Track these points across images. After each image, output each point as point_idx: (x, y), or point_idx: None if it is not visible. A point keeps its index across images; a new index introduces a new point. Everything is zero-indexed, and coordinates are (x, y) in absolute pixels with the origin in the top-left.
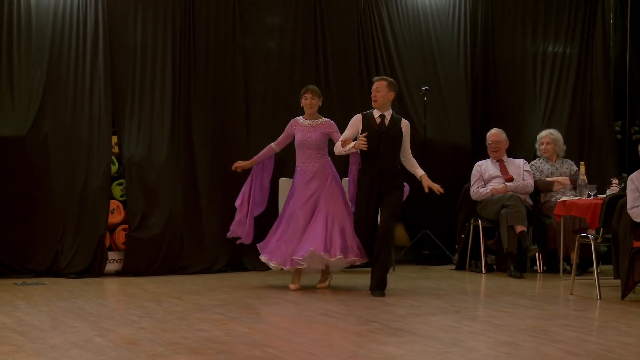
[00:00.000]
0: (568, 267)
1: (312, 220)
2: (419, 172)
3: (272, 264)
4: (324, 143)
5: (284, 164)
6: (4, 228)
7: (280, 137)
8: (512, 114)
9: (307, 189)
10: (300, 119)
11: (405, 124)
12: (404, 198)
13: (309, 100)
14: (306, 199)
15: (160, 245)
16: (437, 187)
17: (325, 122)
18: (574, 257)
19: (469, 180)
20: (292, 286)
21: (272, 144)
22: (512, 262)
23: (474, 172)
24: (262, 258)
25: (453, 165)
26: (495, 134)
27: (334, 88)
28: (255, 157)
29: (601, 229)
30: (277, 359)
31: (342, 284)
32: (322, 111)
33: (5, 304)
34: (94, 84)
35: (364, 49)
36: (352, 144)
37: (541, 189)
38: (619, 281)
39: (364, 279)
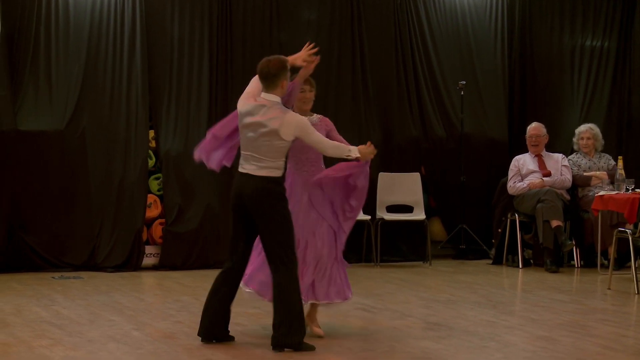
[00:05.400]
0: (606, 262)
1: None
2: None
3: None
4: None
5: None
6: (42, 222)
7: None
8: (549, 108)
9: (315, 202)
10: None
11: None
12: None
13: (307, 93)
14: (320, 215)
15: (197, 239)
16: None
17: (324, 119)
18: (612, 251)
19: (506, 175)
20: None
21: None
22: (548, 256)
23: (511, 166)
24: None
25: (490, 160)
26: (535, 128)
27: (371, 82)
28: None
29: (639, 224)
30: (313, 352)
31: (379, 279)
32: (359, 104)
33: (44, 297)
34: (131, 79)
35: (400, 43)
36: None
37: (579, 183)
38: None
39: (403, 274)
